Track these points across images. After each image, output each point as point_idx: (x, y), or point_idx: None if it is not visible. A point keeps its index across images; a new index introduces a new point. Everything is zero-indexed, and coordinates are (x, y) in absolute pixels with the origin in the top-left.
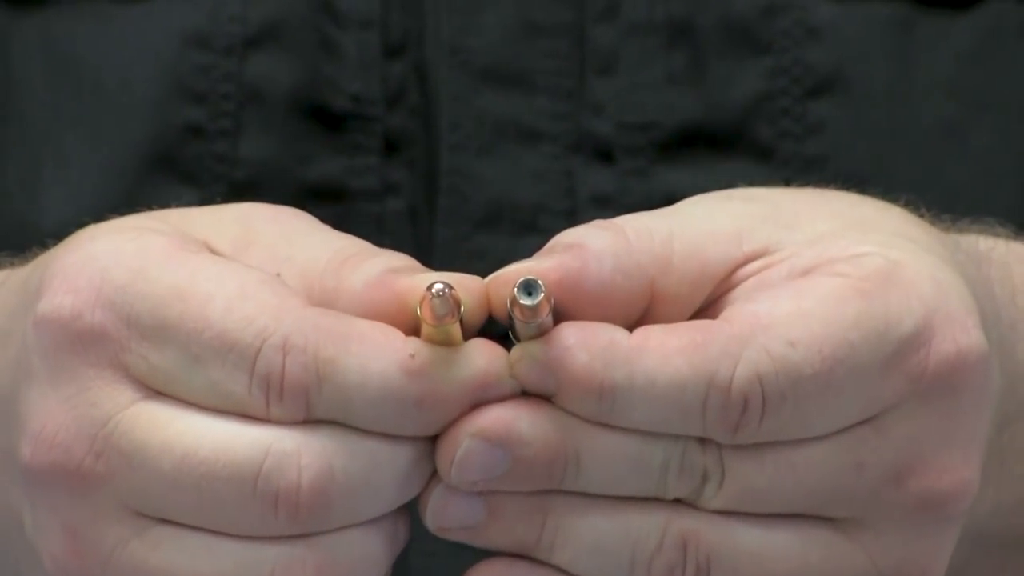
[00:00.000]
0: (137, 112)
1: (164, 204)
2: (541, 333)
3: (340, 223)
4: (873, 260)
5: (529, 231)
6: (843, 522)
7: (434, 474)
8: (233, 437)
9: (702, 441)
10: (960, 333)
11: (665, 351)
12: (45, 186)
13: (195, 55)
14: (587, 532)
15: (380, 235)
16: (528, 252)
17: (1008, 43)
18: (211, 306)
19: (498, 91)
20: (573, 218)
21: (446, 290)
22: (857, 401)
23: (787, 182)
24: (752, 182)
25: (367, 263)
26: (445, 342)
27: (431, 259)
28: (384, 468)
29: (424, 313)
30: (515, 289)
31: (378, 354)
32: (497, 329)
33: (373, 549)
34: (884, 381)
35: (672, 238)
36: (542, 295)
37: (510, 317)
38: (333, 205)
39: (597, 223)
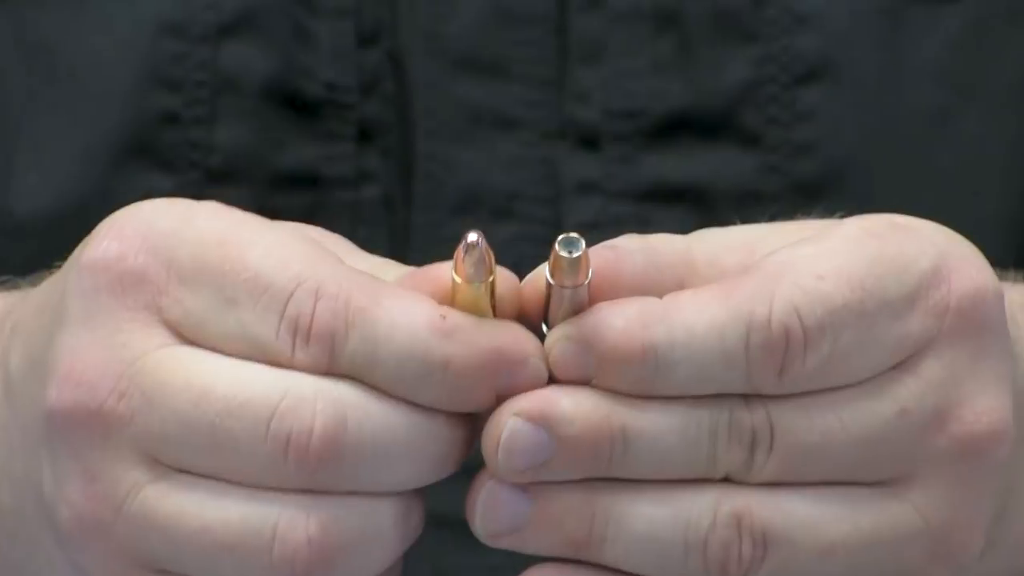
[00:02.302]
0: (112, 99)
1: (140, 191)
2: (575, 311)
3: (315, 210)
4: (880, 217)
5: (506, 217)
6: (890, 483)
7: (473, 482)
8: (253, 378)
9: (747, 400)
10: (975, 271)
11: (699, 301)
12: (19, 172)
13: (169, 43)
14: (638, 521)
15: (355, 223)
16: (505, 238)
17: (996, 30)
18: (250, 251)
19: (473, 78)
20: (554, 204)
21: (480, 240)
22: (889, 338)
23: (775, 168)
24: (740, 168)
25: (400, 268)
26: (476, 311)
27: (408, 246)
28: (399, 434)
29: (459, 267)
30: (556, 244)
31: (409, 309)
32: None
33: (381, 525)
34: (911, 316)
35: (691, 249)
36: (583, 248)
37: (547, 287)
38: (308, 192)
39: (623, 236)
